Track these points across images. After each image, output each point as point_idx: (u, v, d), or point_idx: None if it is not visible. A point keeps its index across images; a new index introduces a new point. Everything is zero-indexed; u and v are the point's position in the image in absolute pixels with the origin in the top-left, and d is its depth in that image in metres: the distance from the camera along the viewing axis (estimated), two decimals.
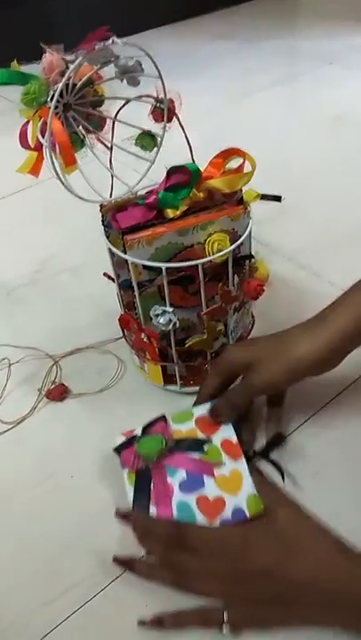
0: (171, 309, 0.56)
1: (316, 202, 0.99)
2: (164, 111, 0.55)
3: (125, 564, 0.51)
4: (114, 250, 0.56)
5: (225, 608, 0.46)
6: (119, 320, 0.63)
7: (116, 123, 0.57)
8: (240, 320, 0.65)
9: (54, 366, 0.72)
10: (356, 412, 0.63)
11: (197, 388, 0.62)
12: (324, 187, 1.04)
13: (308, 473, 0.58)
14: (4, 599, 0.51)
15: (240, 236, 0.56)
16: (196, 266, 0.53)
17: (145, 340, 0.61)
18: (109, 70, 0.53)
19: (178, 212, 0.54)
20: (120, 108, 0.56)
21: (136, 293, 0.58)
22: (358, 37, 1.69)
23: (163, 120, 0.56)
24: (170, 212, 0.54)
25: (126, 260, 0.55)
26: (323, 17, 2.04)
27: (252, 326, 0.69)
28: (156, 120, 0.57)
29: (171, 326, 0.57)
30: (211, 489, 0.52)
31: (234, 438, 0.56)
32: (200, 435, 0.56)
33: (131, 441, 0.56)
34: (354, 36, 1.70)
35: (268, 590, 0.45)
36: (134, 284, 0.57)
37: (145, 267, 0.56)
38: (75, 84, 0.53)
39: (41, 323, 0.79)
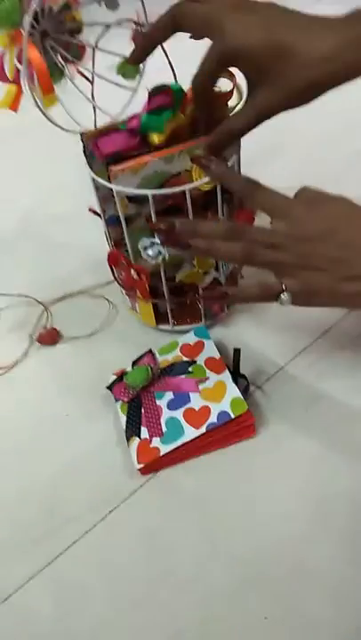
0: (159, 240, 0.55)
1: (306, 140, 0.97)
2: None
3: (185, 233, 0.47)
4: (98, 180, 0.54)
5: (284, 279, 0.44)
6: (108, 257, 0.62)
7: (96, 51, 0.55)
8: None
9: (45, 312, 0.71)
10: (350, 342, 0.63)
11: (191, 326, 0.64)
12: (313, 126, 1.01)
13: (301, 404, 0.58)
14: (3, 532, 0.52)
15: (228, 162, 0.54)
16: (184, 194, 0.51)
17: (135, 277, 0.60)
18: None
19: (163, 138, 0.52)
20: (100, 36, 0.54)
21: (124, 227, 0.56)
22: None
23: None
24: (155, 137, 0.52)
25: (112, 194, 0.54)
26: None
27: None
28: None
29: (160, 258, 0.56)
30: (196, 401, 0.56)
31: (217, 355, 0.59)
32: (185, 359, 0.60)
33: (121, 377, 0.59)
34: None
35: (329, 253, 0.43)
36: (121, 218, 0.56)
37: (131, 199, 0.55)
38: (51, 8, 0.51)
39: (30, 270, 0.78)
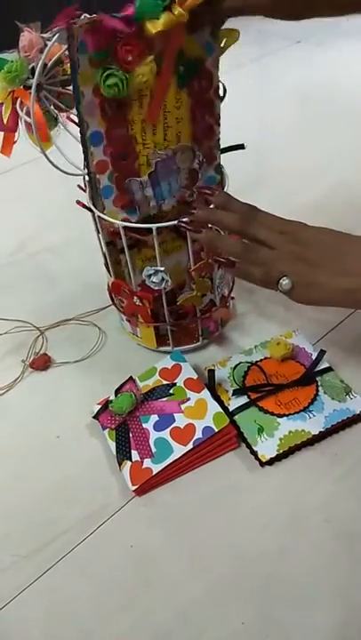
0: (162, 268, 0.60)
1: (285, 174, 1.03)
2: None
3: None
4: (104, 217, 0.59)
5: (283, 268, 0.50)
6: (111, 286, 0.66)
7: None
8: (223, 276, 0.68)
9: (40, 337, 0.75)
10: None
11: (189, 347, 0.70)
12: (291, 159, 1.08)
13: None
14: None
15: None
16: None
17: (138, 303, 0.64)
18: None
19: (159, 27, 0.48)
20: None
21: (127, 258, 0.60)
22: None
23: None
24: (150, 26, 0.48)
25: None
26: None
27: (233, 283, 0.73)
28: None
29: (163, 284, 0.60)
30: (181, 421, 0.60)
31: (194, 375, 0.64)
32: (165, 382, 0.64)
33: (106, 405, 0.63)
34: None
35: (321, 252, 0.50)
36: (125, 248, 0.60)
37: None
38: (45, 65, 0.56)
39: (25, 299, 0.82)
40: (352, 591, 0.48)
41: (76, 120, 0.59)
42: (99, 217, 0.60)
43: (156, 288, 0.61)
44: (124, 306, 0.68)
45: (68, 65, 0.57)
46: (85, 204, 0.62)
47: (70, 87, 0.58)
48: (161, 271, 0.60)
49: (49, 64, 0.55)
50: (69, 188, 0.63)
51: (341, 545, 0.51)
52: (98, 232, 0.64)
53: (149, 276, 0.60)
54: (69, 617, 0.49)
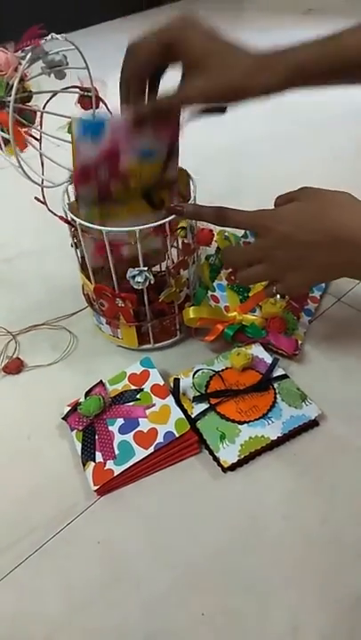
0: (145, 268, 0.63)
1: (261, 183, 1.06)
2: (92, 98, 0.62)
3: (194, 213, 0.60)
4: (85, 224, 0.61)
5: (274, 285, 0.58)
6: (92, 291, 0.69)
7: (47, 115, 0.63)
8: (195, 272, 0.73)
9: (12, 341, 0.77)
10: None
11: (168, 342, 0.74)
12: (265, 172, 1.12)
13: None
14: None
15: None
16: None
17: (120, 304, 0.67)
18: (35, 66, 0.58)
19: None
20: (48, 100, 0.62)
21: (110, 262, 0.63)
22: (300, 29, 1.77)
23: (91, 107, 0.63)
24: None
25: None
26: (267, 10, 2.12)
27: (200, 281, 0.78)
28: (84, 107, 0.63)
29: (147, 284, 0.63)
30: (145, 425, 0.62)
31: (161, 382, 0.67)
32: (133, 387, 0.67)
33: (75, 407, 0.66)
34: (296, 28, 1.78)
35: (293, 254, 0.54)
36: (108, 252, 0.62)
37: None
38: (7, 82, 0.58)
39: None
40: (307, 581, 0.52)
41: (34, 135, 0.62)
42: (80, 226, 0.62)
43: (140, 287, 0.64)
44: (105, 309, 0.70)
45: (28, 82, 0.60)
46: (64, 216, 0.64)
47: (30, 103, 0.61)
48: (145, 271, 0.63)
49: (12, 82, 0.58)
50: (35, 193, 0.65)
51: (298, 539, 0.55)
52: (76, 245, 0.66)
53: (134, 277, 0.63)
54: (38, 611, 0.52)
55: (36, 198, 0.66)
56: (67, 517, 0.58)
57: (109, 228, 0.60)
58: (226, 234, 0.79)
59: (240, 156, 1.21)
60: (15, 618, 0.51)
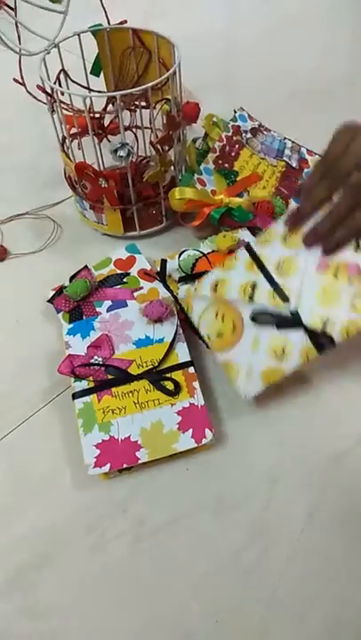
0: (128, 141, 0.60)
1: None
2: None
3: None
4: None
5: None
6: (74, 170, 0.66)
7: None
8: (181, 152, 0.70)
9: None
10: None
11: (153, 229, 0.73)
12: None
13: None
14: None
15: None
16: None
17: (103, 185, 0.65)
18: None
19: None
20: None
21: (95, 141, 0.61)
22: None
23: None
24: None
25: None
26: None
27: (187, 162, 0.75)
28: None
29: (131, 158, 0.61)
30: (133, 306, 0.62)
31: (147, 266, 0.67)
32: (119, 272, 0.66)
33: (61, 291, 0.65)
34: None
35: None
36: (89, 127, 0.60)
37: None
38: None
39: None
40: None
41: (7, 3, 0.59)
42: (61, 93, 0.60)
43: (124, 163, 0.62)
44: (88, 192, 0.68)
45: None
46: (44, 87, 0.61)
47: None
48: (127, 144, 0.61)
49: None
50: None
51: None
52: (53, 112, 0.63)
53: (115, 150, 0.61)
54: (30, 470, 0.54)
55: (14, 80, 0.63)
56: (55, 390, 0.59)
57: (89, 94, 0.57)
58: (214, 119, 0.76)
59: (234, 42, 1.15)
60: (7, 478, 0.54)
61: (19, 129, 0.93)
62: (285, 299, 0.53)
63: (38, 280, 0.69)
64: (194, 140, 0.76)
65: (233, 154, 0.75)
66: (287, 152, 0.79)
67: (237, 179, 0.73)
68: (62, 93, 0.60)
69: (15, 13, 0.61)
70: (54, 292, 0.66)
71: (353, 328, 0.50)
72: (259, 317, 0.53)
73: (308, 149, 0.81)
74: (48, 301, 0.65)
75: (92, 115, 0.65)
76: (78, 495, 0.52)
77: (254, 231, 0.70)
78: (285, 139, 0.80)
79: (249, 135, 0.77)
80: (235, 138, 0.76)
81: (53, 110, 0.63)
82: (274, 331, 0.53)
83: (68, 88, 0.68)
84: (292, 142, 0.80)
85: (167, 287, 0.65)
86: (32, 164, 0.86)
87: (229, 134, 0.76)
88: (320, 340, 0.51)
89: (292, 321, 0.52)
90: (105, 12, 0.67)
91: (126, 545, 0.49)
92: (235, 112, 0.77)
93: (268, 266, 0.54)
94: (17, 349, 0.63)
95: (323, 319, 0.51)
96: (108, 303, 0.64)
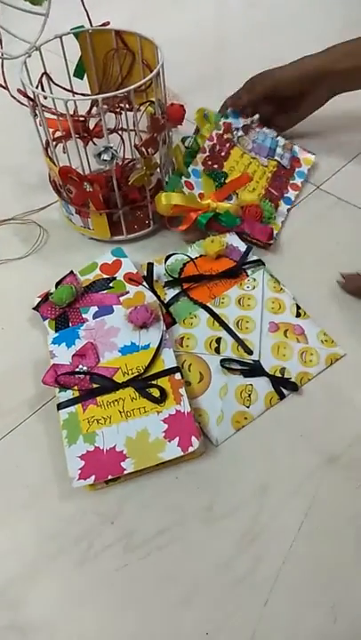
0: (112, 144, 0.59)
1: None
2: None
3: None
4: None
5: None
6: (58, 174, 0.65)
7: None
8: (167, 155, 0.69)
9: None
10: None
11: (141, 233, 0.72)
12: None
13: None
14: None
15: None
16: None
17: (88, 189, 0.64)
18: None
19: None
20: None
21: (79, 144, 0.60)
22: None
23: None
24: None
25: None
26: None
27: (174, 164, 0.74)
28: None
29: (115, 161, 0.60)
30: (119, 312, 0.61)
31: (134, 270, 0.66)
32: (105, 276, 0.65)
33: (47, 297, 0.64)
34: None
35: None
36: (73, 134, 0.60)
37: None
38: None
39: None
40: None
41: None
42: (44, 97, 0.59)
43: (108, 167, 0.61)
44: (73, 196, 0.67)
45: None
46: (26, 92, 0.60)
47: None
48: (110, 147, 0.59)
49: None
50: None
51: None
52: (35, 116, 0.62)
53: (99, 154, 0.59)
54: (16, 482, 0.53)
55: (19, 91, 0.62)
56: (42, 399, 0.58)
57: (71, 98, 0.56)
58: (206, 112, 0.76)
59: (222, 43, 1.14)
60: None
61: (3, 132, 0.92)
62: (249, 351, 0.59)
63: (24, 286, 0.68)
64: (183, 139, 0.75)
65: (223, 153, 0.74)
66: (279, 150, 0.78)
67: (226, 180, 0.73)
68: (45, 97, 0.59)
69: None
70: (40, 298, 0.65)
71: (305, 378, 0.57)
72: (226, 365, 0.57)
73: (300, 147, 0.80)
74: (34, 309, 0.64)
75: (75, 118, 0.64)
76: (65, 507, 0.51)
77: (242, 236, 0.70)
78: (278, 136, 0.79)
79: (240, 133, 0.77)
80: (225, 136, 0.75)
81: (36, 114, 0.62)
82: (240, 378, 0.57)
83: (52, 91, 0.67)
84: (285, 140, 0.79)
85: (154, 291, 0.64)
86: (18, 168, 0.85)
87: (220, 132, 0.75)
88: (282, 386, 0.57)
89: (256, 369, 0.57)
90: (87, 13, 0.66)
91: (115, 557, 0.48)
92: (226, 108, 0.77)
93: (228, 323, 0.61)
94: (2, 358, 0.62)
95: (281, 370, 0.58)
96: (94, 309, 0.63)
